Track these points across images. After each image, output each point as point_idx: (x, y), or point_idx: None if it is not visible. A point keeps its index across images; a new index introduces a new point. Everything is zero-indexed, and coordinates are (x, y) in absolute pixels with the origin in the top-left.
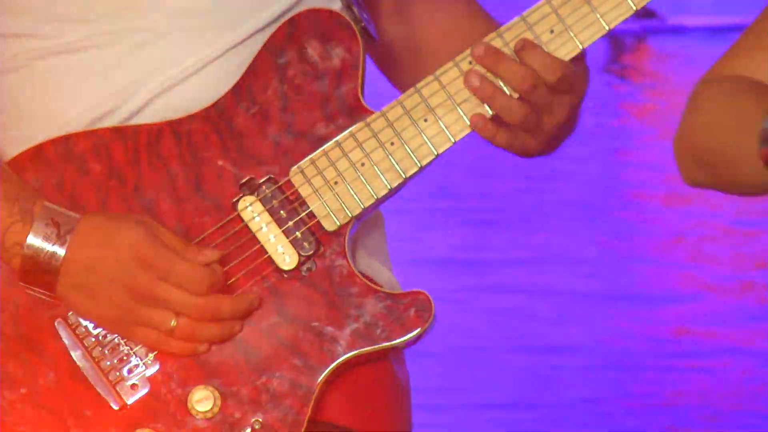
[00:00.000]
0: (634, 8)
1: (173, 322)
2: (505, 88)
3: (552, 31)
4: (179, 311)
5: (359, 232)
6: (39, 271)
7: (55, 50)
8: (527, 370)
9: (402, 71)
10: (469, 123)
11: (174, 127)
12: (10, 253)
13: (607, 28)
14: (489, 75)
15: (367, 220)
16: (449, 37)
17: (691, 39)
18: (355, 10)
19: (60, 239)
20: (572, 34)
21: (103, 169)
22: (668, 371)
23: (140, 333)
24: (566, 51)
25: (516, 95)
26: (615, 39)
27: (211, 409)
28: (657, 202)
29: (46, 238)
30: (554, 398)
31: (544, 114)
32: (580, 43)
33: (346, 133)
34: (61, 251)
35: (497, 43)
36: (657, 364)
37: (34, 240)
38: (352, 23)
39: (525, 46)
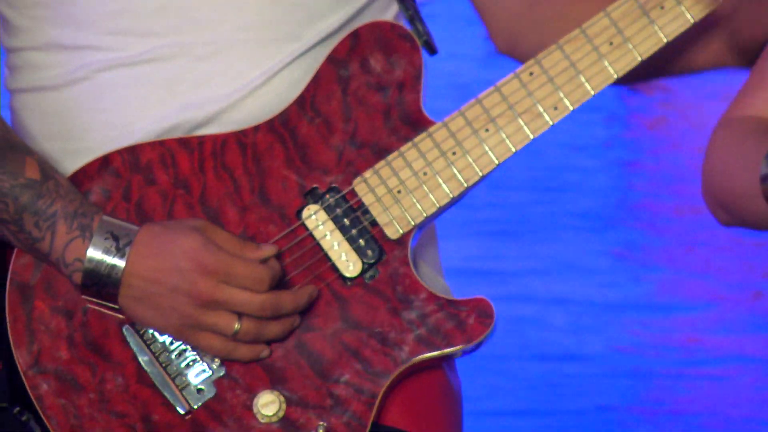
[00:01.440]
0: (692, 21)
1: (237, 326)
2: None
3: (611, 43)
4: (243, 310)
5: (418, 242)
6: (101, 285)
7: (118, 63)
8: (541, 377)
9: (522, 47)
10: (530, 133)
11: (239, 138)
12: (71, 268)
13: (665, 40)
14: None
15: (425, 231)
16: (567, 13)
17: None
18: (419, 23)
19: (119, 252)
20: (631, 46)
21: (169, 178)
22: (679, 379)
23: (205, 339)
24: (625, 63)
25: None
26: None
27: (276, 413)
28: (668, 212)
29: (106, 252)
30: (568, 405)
31: None
32: (639, 55)
33: (408, 143)
34: (121, 263)
35: (557, 55)
36: (668, 372)
37: (94, 254)
38: (414, 36)
39: None
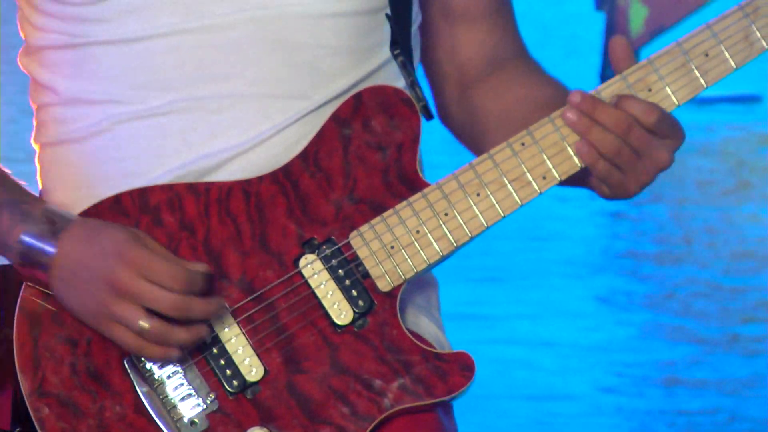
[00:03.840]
0: (705, 86)
1: (142, 322)
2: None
3: (650, 90)
4: (153, 306)
5: (409, 291)
6: (33, 265)
7: (137, 115)
8: (530, 416)
9: (471, 146)
10: (518, 199)
11: (244, 187)
12: (14, 251)
13: (705, 86)
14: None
15: (419, 279)
16: (509, 117)
17: (677, 110)
18: (418, 89)
19: (54, 236)
20: (671, 91)
21: (175, 221)
22: (660, 418)
23: (117, 331)
24: (666, 105)
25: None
26: None
27: None
28: (650, 260)
29: (41, 234)
30: None
31: (644, 157)
32: (674, 101)
33: (404, 202)
34: (52, 247)
35: (549, 128)
36: (649, 411)
37: (27, 235)
38: (414, 101)
39: (621, 97)
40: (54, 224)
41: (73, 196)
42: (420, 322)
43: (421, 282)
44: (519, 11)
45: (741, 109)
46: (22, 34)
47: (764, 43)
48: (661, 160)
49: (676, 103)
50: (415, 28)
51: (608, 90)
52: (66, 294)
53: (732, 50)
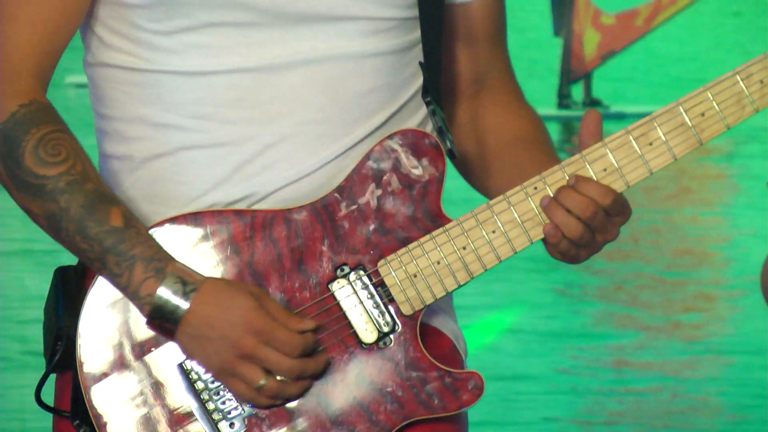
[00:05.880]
0: (650, 174)
1: (262, 381)
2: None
3: (605, 170)
4: (273, 370)
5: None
6: (164, 319)
7: (198, 144)
8: (495, 394)
9: (474, 175)
10: (530, 238)
11: (285, 215)
12: (143, 302)
13: (651, 172)
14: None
15: None
16: (512, 148)
17: (630, 123)
18: (445, 133)
19: (186, 295)
20: (622, 174)
21: (223, 242)
22: (610, 396)
23: (236, 384)
24: (617, 186)
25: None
26: (566, 123)
27: None
28: (600, 256)
29: (175, 293)
30: (518, 418)
31: (598, 234)
32: (627, 183)
33: (428, 236)
34: (185, 305)
35: (558, 175)
36: (601, 390)
37: (164, 293)
38: (441, 145)
39: (579, 179)
40: (185, 285)
41: (138, 210)
42: (440, 317)
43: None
44: None
45: None
46: (84, 44)
47: (754, 107)
48: (612, 235)
49: (676, 157)
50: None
51: (614, 143)
52: (192, 347)
53: (726, 111)
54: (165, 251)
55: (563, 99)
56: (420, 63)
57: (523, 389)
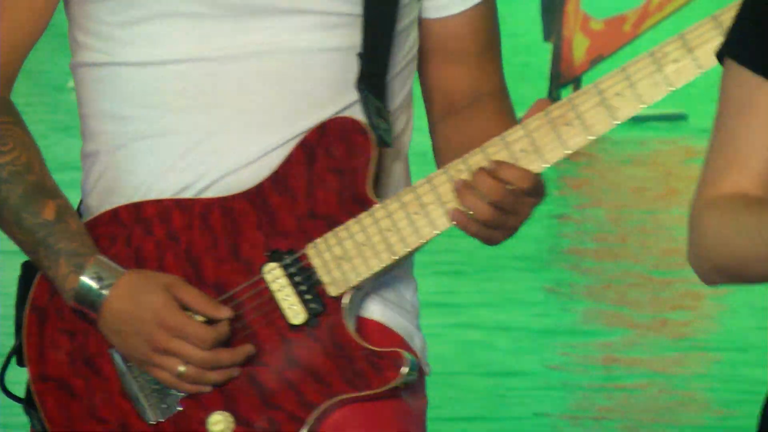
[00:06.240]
0: (567, 153)
1: (181, 368)
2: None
3: (523, 150)
4: (187, 361)
5: (379, 288)
6: (86, 312)
7: (148, 134)
8: (488, 390)
9: (439, 117)
10: (451, 218)
11: (222, 203)
12: (67, 296)
13: (568, 152)
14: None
15: (392, 278)
16: (479, 140)
17: (617, 127)
18: (379, 120)
19: (101, 290)
20: (541, 153)
21: (163, 231)
22: (599, 391)
23: (158, 373)
24: (536, 166)
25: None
26: None
27: (224, 430)
28: (590, 255)
29: (90, 289)
30: (510, 413)
31: (511, 215)
32: (545, 163)
33: (353, 219)
34: (100, 300)
35: (480, 158)
36: (591, 385)
37: (82, 287)
38: (371, 132)
39: (498, 163)
40: (102, 280)
41: (99, 203)
42: (399, 289)
43: (394, 281)
44: None
45: (669, 126)
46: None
47: (669, 86)
48: (525, 215)
49: (592, 136)
50: (406, 59)
51: (534, 124)
52: (112, 339)
53: (641, 90)
54: (89, 246)
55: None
56: (359, 54)
57: (515, 385)
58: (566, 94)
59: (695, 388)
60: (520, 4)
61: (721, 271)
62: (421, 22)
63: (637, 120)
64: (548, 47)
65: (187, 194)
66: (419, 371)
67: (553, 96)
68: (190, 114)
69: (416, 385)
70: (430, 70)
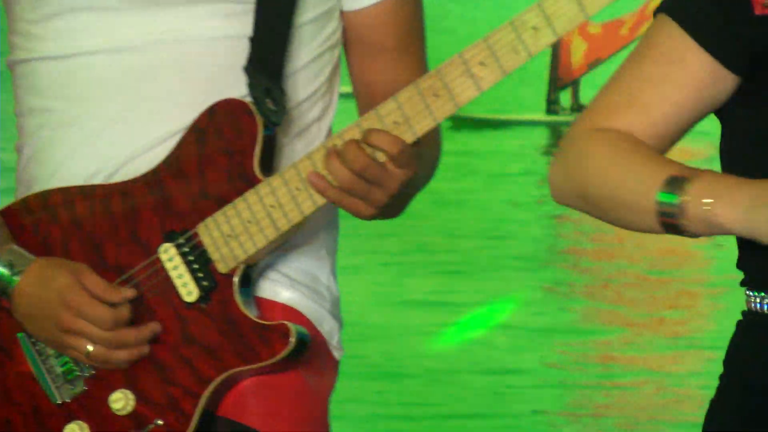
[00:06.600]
0: (436, 123)
1: (89, 348)
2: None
3: (396, 122)
4: (93, 341)
5: (286, 266)
6: (2, 299)
7: (60, 124)
8: (487, 387)
9: (365, 108)
10: (308, 180)
11: (121, 188)
12: None
13: (437, 121)
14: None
15: (312, 226)
16: (394, 88)
17: None
18: (267, 101)
19: (12, 278)
20: (411, 124)
21: (68, 217)
22: (597, 389)
23: (68, 352)
24: (407, 137)
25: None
26: (554, 128)
27: (125, 407)
28: (588, 255)
29: (2, 276)
30: (508, 410)
31: (374, 186)
32: (416, 134)
33: (240, 197)
34: (11, 287)
35: (354, 131)
36: (588, 383)
37: None
38: (256, 112)
39: (369, 131)
40: (13, 268)
41: (23, 194)
42: (295, 296)
43: (307, 263)
44: None
45: None
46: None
47: (528, 52)
48: (392, 189)
49: (458, 105)
50: (320, 49)
51: (403, 96)
52: (25, 323)
53: (503, 59)
54: (6, 236)
55: (551, 105)
56: (249, 38)
57: (513, 383)
58: (564, 96)
59: (691, 386)
60: (519, 7)
61: (582, 197)
62: (342, 15)
63: None
64: (546, 51)
65: (96, 181)
66: (326, 352)
67: (552, 99)
68: (98, 103)
69: (321, 366)
70: (352, 63)
